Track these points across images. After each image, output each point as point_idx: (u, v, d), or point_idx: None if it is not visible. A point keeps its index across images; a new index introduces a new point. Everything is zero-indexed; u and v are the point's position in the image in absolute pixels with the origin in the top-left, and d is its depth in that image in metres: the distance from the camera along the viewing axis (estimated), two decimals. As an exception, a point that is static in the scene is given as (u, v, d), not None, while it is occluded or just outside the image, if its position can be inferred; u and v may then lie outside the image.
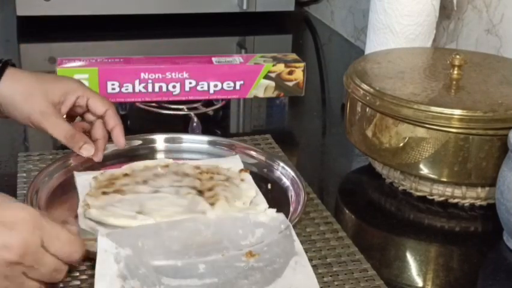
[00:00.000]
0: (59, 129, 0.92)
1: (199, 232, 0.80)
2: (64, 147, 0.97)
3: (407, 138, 0.93)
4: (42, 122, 0.91)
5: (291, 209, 0.88)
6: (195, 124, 1.10)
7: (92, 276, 0.75)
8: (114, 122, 0.95)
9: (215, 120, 1.18)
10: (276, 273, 0.75)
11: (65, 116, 0.95)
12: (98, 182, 0.90)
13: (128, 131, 1.03)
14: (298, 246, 0.78)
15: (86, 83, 1.06)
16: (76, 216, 0.84)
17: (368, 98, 0.96)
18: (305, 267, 0.76)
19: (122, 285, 0.71)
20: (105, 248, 0.74)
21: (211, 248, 0.78)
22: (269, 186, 0.94)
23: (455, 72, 0.97)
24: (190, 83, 1.10)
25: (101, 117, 0.96)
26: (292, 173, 0.94)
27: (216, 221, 0.82)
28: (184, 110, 1.14)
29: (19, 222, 0.68)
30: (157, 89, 1.09)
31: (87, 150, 0.93)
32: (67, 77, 1.01)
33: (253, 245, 0.79)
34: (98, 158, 0.94)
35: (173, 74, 1.09)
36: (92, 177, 0.91)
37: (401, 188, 0.98)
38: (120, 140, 0.95)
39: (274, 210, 0.85)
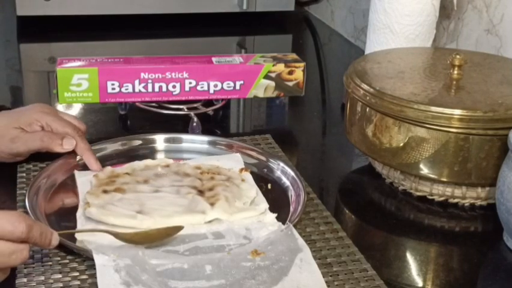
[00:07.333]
0: (33, 139, 0.92)
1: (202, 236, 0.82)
2: None
3: (407, 138, 0.92)
4: (16, 146, 0.92)
5: (291, 209, 0.88)
6: (194, 124, 1.10)
7: (92, 276, 0.75)
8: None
9: (215, 120, 1.18)
10: (282, 272, 0.75)
11: None
12: (99, 179, 0.90)
13: (128, 131, 1.03)
14: (301, 242, 0.79)
15: (86, 83, 1.06)
16: (76, 216, 0.84)
17: (368, 98, 0.96)
18: (310, 265, 0.76)
19: None
20: (103, 263, 0.74)
21: (215, 248, 0.79)
22: (269, 186, 0.94)
23: (455, 72, 0.97)
24: (190, 83, 1.10)
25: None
26: (292, 173, 0.94)
27: (217, 226, 0.83)
28: (184, 110, 1.14)
29: None
30: (157, 89, 1.09)
31: (68, 143, 0.92)
32: (32, 107, 0.98)
33: (257, 243, 0.79)
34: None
35: (173, 74, 1.09)
36: (93, 175, 0.91)
37: (401, 188, 0.98)
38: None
39: (275, 215, 0.86)
